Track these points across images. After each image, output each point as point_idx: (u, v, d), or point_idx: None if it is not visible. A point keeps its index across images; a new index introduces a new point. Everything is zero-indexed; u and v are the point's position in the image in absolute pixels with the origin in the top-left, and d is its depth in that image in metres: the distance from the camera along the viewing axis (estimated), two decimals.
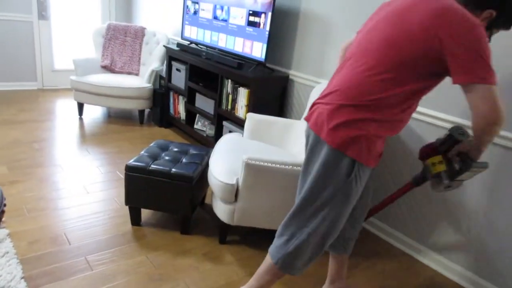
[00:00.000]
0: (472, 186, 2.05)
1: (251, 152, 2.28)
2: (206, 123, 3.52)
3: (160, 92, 3.96)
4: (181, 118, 3.83)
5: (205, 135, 3.49)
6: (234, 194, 2.05)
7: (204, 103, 3.47)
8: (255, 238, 2.31)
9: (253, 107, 2.87)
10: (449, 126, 2.09)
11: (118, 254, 2.01)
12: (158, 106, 3.98)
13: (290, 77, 2.99)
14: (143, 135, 3.70)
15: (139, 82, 3.96)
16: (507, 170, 1.92)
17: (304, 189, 1.48)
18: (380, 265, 2.21)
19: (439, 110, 2.15)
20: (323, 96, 1.47)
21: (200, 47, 3.59)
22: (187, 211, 2.20)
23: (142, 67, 4.32)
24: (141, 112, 4.02)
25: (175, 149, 2.46)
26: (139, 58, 4.36)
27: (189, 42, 3.77)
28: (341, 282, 1.86)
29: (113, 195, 2.57)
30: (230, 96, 3.10)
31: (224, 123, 3.21)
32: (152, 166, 2.17)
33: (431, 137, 2.19)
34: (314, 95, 2.51)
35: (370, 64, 1.35)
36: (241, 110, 3.01)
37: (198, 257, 2.08)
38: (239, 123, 3.03)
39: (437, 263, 2.25)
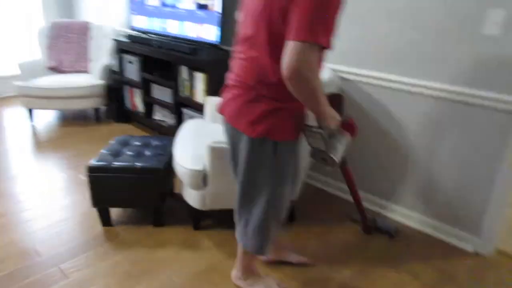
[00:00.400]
0: (419, 138, 2.15)
1: (214, 136, 2.26)
2: (166, 113, 3.45)
3: (114, 87, 3.82)
4: (139, 111, 3.73)
5: (166, 125, 3.42)
6: (202, 179, 2.04)
7: (161, 93, 3.39)
8: (229, 219, 2.32)
9: (211, 91, 2.83)
10: (412, 90, 2.17)
11: (93, 258, 1.97)
12: (113, 102, 3.85)
13: None
14: (101, 134, 3.58)
15: (91, 79, 3.80)
16: (446, 120, 2.02)
17: (240, 179, 1.52)
18: (348, 224, 2.29)
19: (401, 74, 2.21)
20: (232, 86, 1.47)
21: (151, 36, 3.47)
22: (158, 204, 2.17)
23: (91, 63, 4.14)
24: (97, 110, 3.87)
25: (137, 143, 2.41)
26: (87, 55, 4.17)
27: (139, 32, 3.63)
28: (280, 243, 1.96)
29: (78, 199, 2.49)
30: (187, 83, 3.04)
31: (184, 110, 3.16)
32: (115, 163, 2.11)
33: (396, 102, 2.26)
34: None
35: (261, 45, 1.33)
36: (199, 95, 2.97)
37: (176, 246, 2.07)
38: (200, 109, 2.99)
39: (400, 214, 2.36)
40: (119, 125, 3.82)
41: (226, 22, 3.01)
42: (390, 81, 2.22)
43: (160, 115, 3.52)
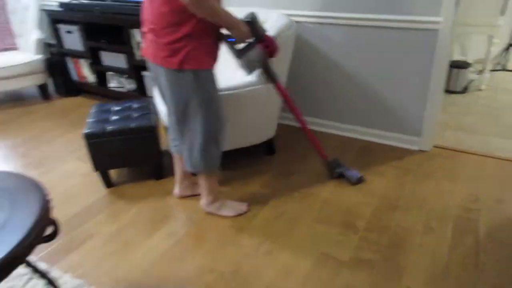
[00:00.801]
0: (362, 63, 2.59)
1: None
2: (122, 79, 3.47)
3: (55, 61, 3.68)
4: (90, 82, 3.68)
5: (125, 90, 3.46)
6: None
7: (113, 59, 3.39)
8: (226, 157, 2.59)
9: None
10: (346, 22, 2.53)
11: (112, 214, 2.13)
12: (58, 76, 3.72)
13: None
14: (54, 111, 3.50)
15: (26, 56, 3.60)
16: (380, 44, 2.47)
17: (172, 111, 1.79)
18: (297, 146, 2.72)
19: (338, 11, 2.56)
20: (149, 29, 1.68)
21: (90, 1, 3.37)
22: (158, 159, 2.36)
23: (19, 39, 3.88)
24: (42, 87, 3.72)
25: (118, 108, 2.50)
26: (11, 31, 3.88)
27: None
28: (188, 179, 2.25)
29: (61, 176, 2.55)
30: (142, 45, 3.10)
31: (144, 73, 3.23)
32: (109, 127, 2.22)
33: (338, 36, 2.62)
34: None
35: None
36: None
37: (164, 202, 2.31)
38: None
39: (353, 131, 2.85)
40: (70, 100, 3.74)
41: None
42: (332, 17, 2.57)
43: (116, 82, 3.53)
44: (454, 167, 2.45)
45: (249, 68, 1.88)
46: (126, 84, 3.46)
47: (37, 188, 1.19)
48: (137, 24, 3.00)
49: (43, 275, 1.34)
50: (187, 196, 2.26)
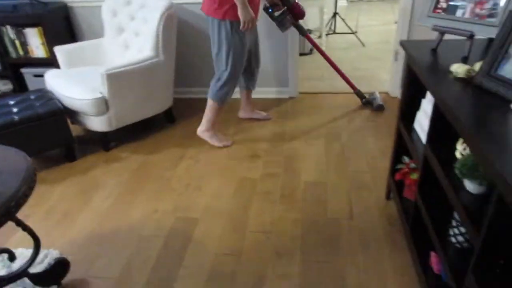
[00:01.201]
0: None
1: (89, 73, 2.65)
2: None
3: None
4: None
5: (0, 92, 3.31)
6: (105, 104, 2.48)
7: None
8: (130, 133, 2.84)
9: (52, 42, 3.00)
10: None
11: (38, 197, 2.22)
12: None
13: (69, 5, 3.17)
14: None
15: None
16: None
17: (214, 51, 2.44)
18: (193, 114, 3.19)
19: None
20: None
21: None
22: (71, 140, 2.49)
23: None
24: None
25: (14, 101, 2.50)
26: None
27: None
28: (249, 105, 2.96)
29: None
30: (17, 41, 3.05)
31: (23, 70, 3.17)
32: (17, 117, 2.28)
33: None
34: (105, 12, 2.92)
35: None
36: (38, 50, 3.06)
37: (102, 166, 2.51)
38: (41, 63, 3.10)
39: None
40: None
41: None
42: None
43: None
44: (316, 104, 3.21)
45: (284, 28, 2.74)
46: (1, 86, 3.31)
47: (20, 155, 1.37)
48: (10, 21, 2.95)
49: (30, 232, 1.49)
50: (246, 119, 2.98)
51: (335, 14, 5.06)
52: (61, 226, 2.01)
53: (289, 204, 2.08)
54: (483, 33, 1.34)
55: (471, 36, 1.37)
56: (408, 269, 1.65)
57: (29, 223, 1.98)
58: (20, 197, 1.16)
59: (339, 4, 5.07)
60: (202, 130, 2.67)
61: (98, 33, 3.25)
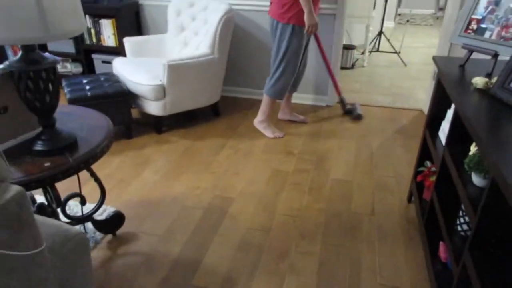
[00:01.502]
0: None
1: (153, 63, 3.00)
2: (67, 63, 3.75)
3: None
4: None
5: (71, 74, 3.75)
6: (163, 91, 2.81)
7: (57, 44, 3.65)
8: (182, 120, 3.16)
9: (122, 34, 3.39)
10: None
11: (98, 165, 2.56)
12: None
13: (140, 2, 3.57)
14: None
15: None
16: None
17: (274, 50, 2.76)
18: (236, 110, 3.46)
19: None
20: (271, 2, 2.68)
21: None
22: (130, 120, 2.83)
23: None
24: None
25: (87, 80, 2.89)
26: None
27: None
28: (289, 108, 3.19)
29: None
30: (93, 30, 3.47)
31: (94, 55, 3.59)
32: (89, 93, 2.64)
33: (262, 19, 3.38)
34: (171, 11, 3.28)
35: None
36: (109, 39, 3.47)
37: (153, 146, 2.83)
38: (110, 51, 3.51)
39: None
40: None
41: None
42: (253, 5, 3.33)
43: (59, 67, 3.79)
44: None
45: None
46: (72, 68, 3.75)
47: (105, 119, 1.68)
48: (89, 11, 3.37)
49: (99, 184, 1.80)
50: (285, 120, 3.23)
51: (380, 33, 5.23)
52: (117, 189, 2.33)
53: (316, 196, 2.29)
54: (507, 53, 1.52)
55: (495, 55, 1.55)
56: (418, 259, 1.82)
57: (88, 185, 2.32)
58: (104, 147, 1.46)
59: (386, 24, 5.24)
60: (258, 121, 3.01)
61: (161, 29, 3.62)
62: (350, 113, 3.39)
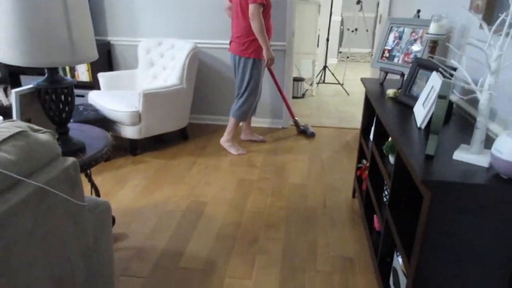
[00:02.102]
0: None
1: (127, 93, 3.37)
2: None
3: None
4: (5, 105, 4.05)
5: None
6: (138, 117, 3.17)
7: (29, 80, 3.91)
8: (153, 143, 3.50)
9: (96, 70, 3.75)
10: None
11: None
12: None
13: (112, 42, 3.97)
14: None
15: None
16: None
17: (237, 84, 3.24)
18: (203, 134, 3.88)
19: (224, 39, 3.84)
20: (235, 37, 3.13)
21: None
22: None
23: None
24: None
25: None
26: None
27: None
28: (249, 129, 3.66)
29: None
30: (67, 67, 3.80)
31: None
32: (72, 119, 2.94)
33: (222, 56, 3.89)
34: (141, 49, 3.71)
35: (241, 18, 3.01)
36: (83, 75, 3.81)
37: (128, 166, 3.15)
38: (84, 86, 3.83)
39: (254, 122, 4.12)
40: None
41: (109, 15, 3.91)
42: (212, 43, 3.85)
43: None
44: (304, 134, 3.94)
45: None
46: None
47: (103, 132, 2.03)
48: None
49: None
50: (246, 140, 3.69)
51: (325, 67, 5.96)
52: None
53: (278, 197, 2.71)
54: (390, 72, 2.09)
55: (402, 75, 2.12)
56: (361, 235, 2.27)
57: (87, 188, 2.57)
58: (107, 151, 1.81)
59: (330, 61, 5.99)
60: (224, 140, 3.43)
61: (130, 65, 4.02)
62: (304, 132, 3.91)
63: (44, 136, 1.13)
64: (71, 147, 1.71)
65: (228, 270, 2.00)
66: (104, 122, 3.10)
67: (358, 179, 2.56)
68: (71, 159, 1.17)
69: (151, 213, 2.49)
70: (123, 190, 2.76)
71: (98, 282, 1.32)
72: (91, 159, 1.73)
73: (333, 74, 5.95)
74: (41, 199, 1.01)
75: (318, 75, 5.96)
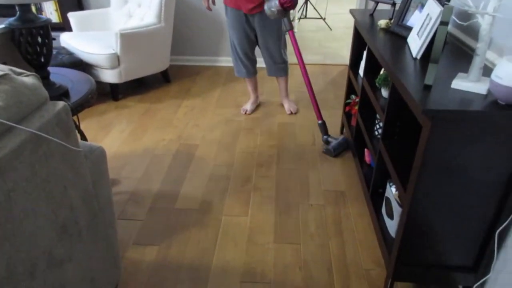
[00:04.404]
0: None
1: (104, 33, 3.17)
2: None
3: None
4: None
5: None
6: (117, 59, 3.02)
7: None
8: (134, 87, 3.38)
9: (65, 9, 3.48)
10: None
11: None
12: None
13: None
14: None
15: None
16: None
17: (273, 39, 2.85)
18: (185, 76, 3.77)
19: None
20: None
21: None
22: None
23: None
24: None
25: None
26: None
27: None
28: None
29: None
30: (33, 6, 3.50)
31: None
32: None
33: None
34: None
35: None
36: (51, 15, 3.53)
37: (114, 112, 3.05)
38: (54, 27, 3.57)
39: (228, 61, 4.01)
40: None
41: None
42: None
43: None
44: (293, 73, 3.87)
45: (271, 15, 2.46)
46: None
47: (85, 75, 1.91)
48: None
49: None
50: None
51: (306, 1, 5.72)
52: None
53: (267, 136, 2.72)
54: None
55: (393, 4, 2.04)
56: (352, 169, 2.34)
57: None
58: (92, 95, 1.73)
59: None
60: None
61: (101, 4, 3.74)
62: (327, 142, 2.74)
63: (29, 79, 1.05)
64: (53, 92, 1.62)
65: (224, 209, 2.04)
66: (81, 66, 2.94)
67: (347, 115, 2.57)
68: (61, 103, 1.11)
69: (141, 158, 2.46)
70: (109, 136, 2.70)
71: (100, 226, 1.33)
72: (77, 104, 1.66)
73: (315, 8, 5.73)
74: (36, 145, 0.97)
75: (299, 9, 5.74)
